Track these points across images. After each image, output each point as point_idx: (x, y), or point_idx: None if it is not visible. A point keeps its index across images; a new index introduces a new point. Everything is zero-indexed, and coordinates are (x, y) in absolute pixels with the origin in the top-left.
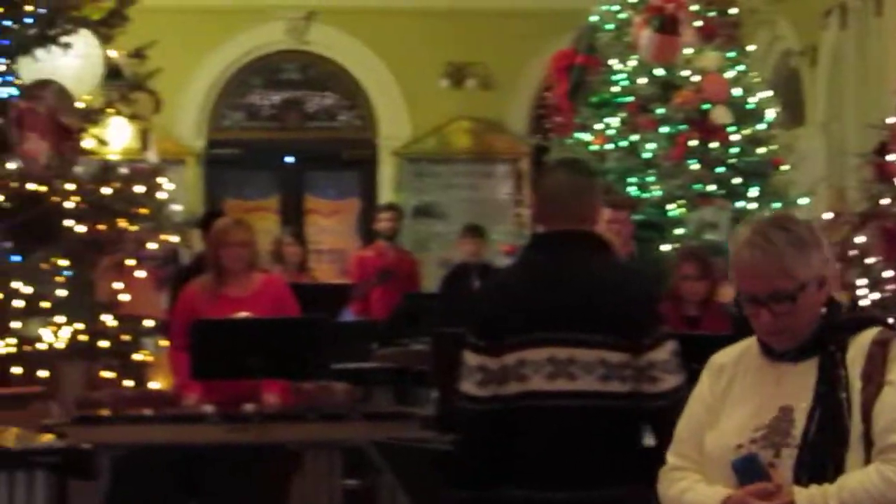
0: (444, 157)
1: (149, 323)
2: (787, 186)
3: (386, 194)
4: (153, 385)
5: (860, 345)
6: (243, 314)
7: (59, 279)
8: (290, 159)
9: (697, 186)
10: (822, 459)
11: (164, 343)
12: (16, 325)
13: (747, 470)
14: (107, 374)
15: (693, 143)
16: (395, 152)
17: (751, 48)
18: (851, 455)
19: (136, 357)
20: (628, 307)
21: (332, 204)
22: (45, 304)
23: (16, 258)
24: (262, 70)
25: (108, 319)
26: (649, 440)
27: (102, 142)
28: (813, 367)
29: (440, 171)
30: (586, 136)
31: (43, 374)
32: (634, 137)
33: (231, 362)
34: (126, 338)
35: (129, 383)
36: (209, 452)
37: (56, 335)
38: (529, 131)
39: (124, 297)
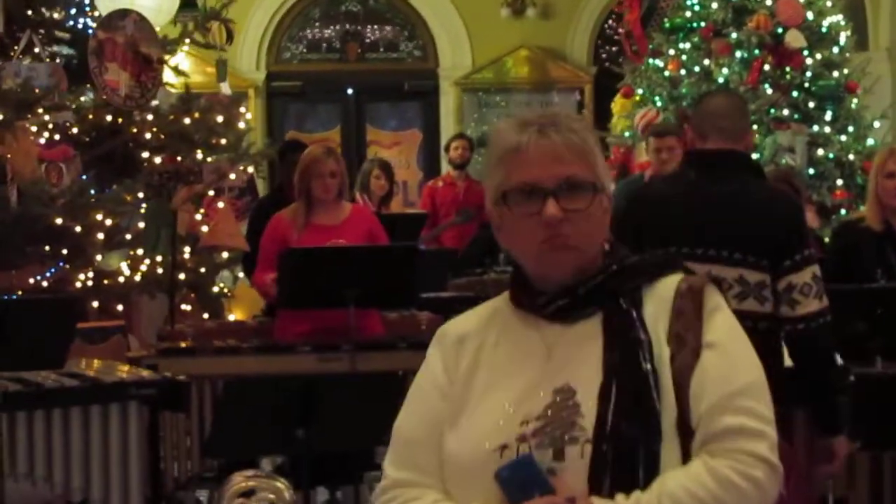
0: (505, 87)
1: (225, 255)
2: (861, 111)
3: (447, 125)
4: (231, 317)
5: (660, 297)
6: (338, 242)
7: (137, 211)
8: (350, 91)
9: (773, 111)
10: (626, 457)
11: (241, 275)
12: (96, 257)
13: (521, 480)
14: (184, 307)
15: (767, 67)
16: (456, 83)
17: None
18: (665, 447)
19: (214, 289)
20: (771, 228)
21: (393, 135)
22: (125, 237)
23: (94, 190)
24: (322, 2)
25: (187, 252)
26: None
27: (180, 72)
28: (596, 329)
29: (501, 101)
30: (659, 62)
31: (119, 307)
32: (708, 63)
33: (323, 291)
34: (203, 270)
35: (205, 316)
36: (317, 381)
37: (133, 268)
38: (590, 60)
39: (204, 229)
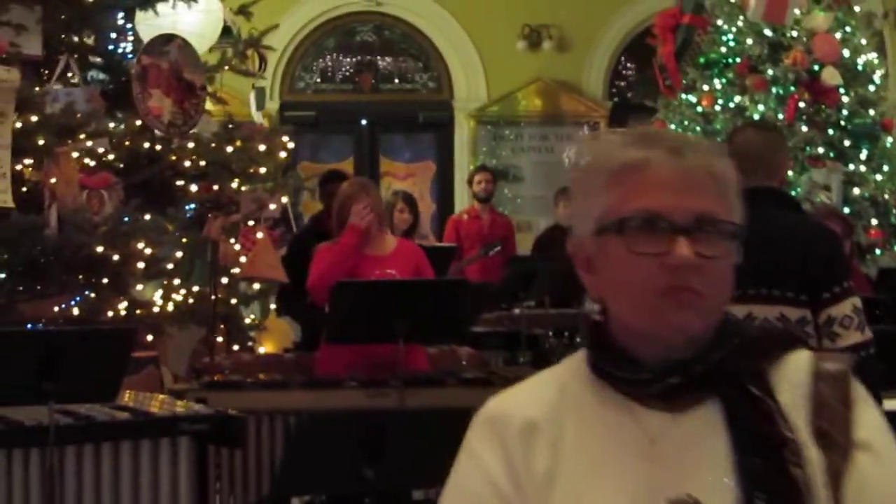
0: (520, 119)
1: (256, 286)
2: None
3: (461, 157)
4: (261, 350)
5: (790, 381)
6: (390, 273)
7: (179, 240)
8: (364, 122)
9: (808, 148)
10: None
11: (273, 307)
12: (134, 287)
13: None
14: (214, 339)
15: (802, 104)
16: (471, 115)
17: (857, 9)
18: None
19: (246, 321)
20: (808, 261)
21: (406, 167)
22: (162, 266)
23: (128, 218)
24: (336, 32)
25: (223, 282)
26: None
27: (219, 100)
28: (715, 420)
29: (516, 133)
30: (692, 97)
31: (149, 337)
32: (741, 98)
33: (374, 325)
34: (233, 301)
35: (234, 347)
36: (388, 417)
37: (167, 298)
38: (606, 93)
39: (242, 260)
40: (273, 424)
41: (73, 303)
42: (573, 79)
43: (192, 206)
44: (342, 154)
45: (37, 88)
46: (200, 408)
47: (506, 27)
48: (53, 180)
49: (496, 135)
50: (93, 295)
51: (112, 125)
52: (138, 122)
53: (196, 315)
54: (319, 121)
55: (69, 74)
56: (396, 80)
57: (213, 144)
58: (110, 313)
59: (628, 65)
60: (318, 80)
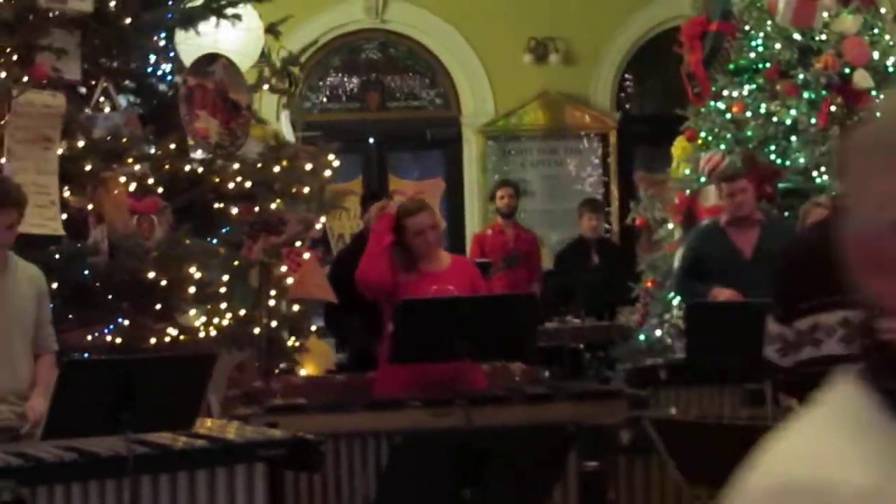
0: (528, 133)
1: (295, 308)
2: None
3: (470, 173)
4: (302, 372)
5: None
6: (448, 289)
7: (230, 264)
8: (372, 140)
9: None
10: None
11: (313, 328)
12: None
13: None
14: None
15: (833, 108)
16: (479, 130)
17: (883, 10)
18: None
19: (288, 343)
20: None
21: (416, 184)
22: (211, 290)
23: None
24: (342, 50)
25: (269, 305)
26: None
27: (261, 120)
28: None
29: (525, 147)
30: (721, 104)
31: None
32: (772, 104)
33: (439, 343)
34: (274, 324)
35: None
36: (481, 436)
37: (212, 322)
38: (614, 105)
39: (289, 281)
40: (341, 446)
41: (107, 330)
42: (580, 91)
43: (228, 228)
44: (350, 173)
45: (83, 112)
46: (275, 433)
47: (511, 41)
48: (102, 206)
49: (504, 149)
50: (127, 322)
51: (151, 150)
52: (172, 146)
53: (237, 339)
54: (326, 140)
55: (101, 99)
56: (403, 98)
57: (260, 165)
58: (153, 340)
59: (633, 76)
60: (325, 99)
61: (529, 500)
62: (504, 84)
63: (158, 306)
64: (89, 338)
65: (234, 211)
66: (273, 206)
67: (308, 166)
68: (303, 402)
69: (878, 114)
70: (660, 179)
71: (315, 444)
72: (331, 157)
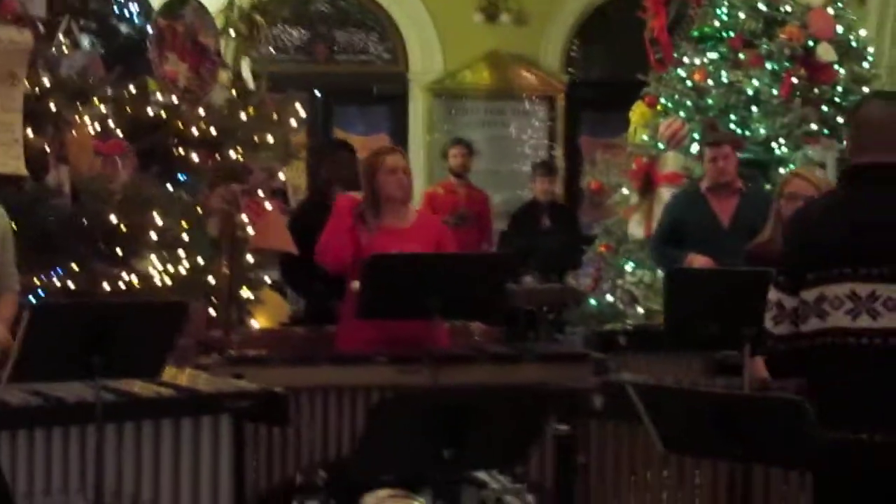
0: (475, 93)
1: (250, 259)
2: None
3: (416, 130)
4: (254, 324)
5: None
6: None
7: (185, 211)
8: (318, 93)
9: (803, 125)
10: None
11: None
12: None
13: None
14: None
15: (795, 81)
16: (427, 87)
17: None
18: None
19: (243, 294)
20: None
21: (361, 139)
22: (173, 237)
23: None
24: (291, 2)
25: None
26: None
27: (224, 65)
28: None
29: (471, 107)
30: (683, 72)
31: None
32: (735, 73)
33: (408, 301)
34: (226, 272)
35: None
36: (462, 396)
37: (166, 270)
38: (563, 68)
39: (250, 231)
40: (303, 399)
41: (54, 274)
42: (530, 53)
43: (188, 175)
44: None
45: (49, 50)
46: (244, 385)
47: None
48: (67, 147)
49: (451, 108)
50: (77, 267)
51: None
52: (132, 88)
53: (193, 288)
54: (272, 92)
55: (63, 38)
56: (352, 52)
57: (226, 112)
58: (106, 286)
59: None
60: (272, 49)
61: (509, 460)
62: (453, 42)
63: (119, 252)
64: (36, 281)
65: (196, 158)
66: (232, 153)
67: (274, 116)
68: (266, 355)
69: None
70: (613, 144)
71: (284, 398)
72: (297, 105)
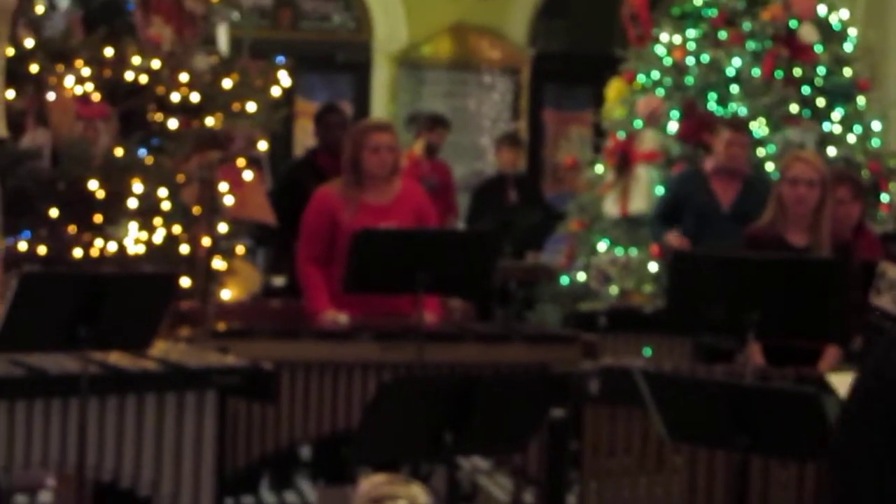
0: (438, 64)
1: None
2: (868, 110)
3: (379, 100)
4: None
5: None
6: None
7: (164, 178)
8: (281, 59)
9: (783, 106)
10: None
11: (241, 250)
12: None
13: None
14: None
15: (777, 60)
16: (391, 57)
17: None
18: None
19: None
20: None
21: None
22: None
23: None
24: None
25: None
26: None
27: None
28: None
29: (435, 78)
30: (663, 49)
31: None
32: (716, 52)
33: (395, 276)
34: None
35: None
36: (471, 379)
37: (141, 239)
38: (529, 40)
39: (230, 200)
40: (284, 373)
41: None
42: (496, 24)
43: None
44: None
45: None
46: (231, 359)
47: None
48: (48, 109)
49: (415, 78)
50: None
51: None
52: (110, 52)
53: (169, 257)
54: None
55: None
56: (316, 19)
57: (209, 78)
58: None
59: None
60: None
61: (509, 447)
62: (418, 12)
63: (99, 218)
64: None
65: (175, 124)
66: (212, 120)
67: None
68: (250, 328)
69: None
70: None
71: (273, 374)
72: (282, 73)
